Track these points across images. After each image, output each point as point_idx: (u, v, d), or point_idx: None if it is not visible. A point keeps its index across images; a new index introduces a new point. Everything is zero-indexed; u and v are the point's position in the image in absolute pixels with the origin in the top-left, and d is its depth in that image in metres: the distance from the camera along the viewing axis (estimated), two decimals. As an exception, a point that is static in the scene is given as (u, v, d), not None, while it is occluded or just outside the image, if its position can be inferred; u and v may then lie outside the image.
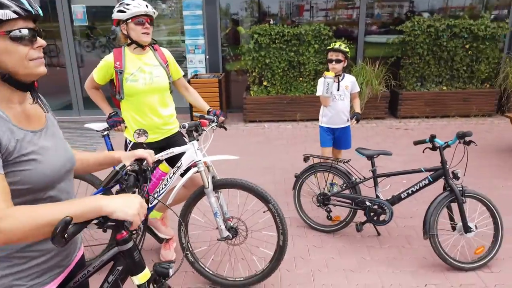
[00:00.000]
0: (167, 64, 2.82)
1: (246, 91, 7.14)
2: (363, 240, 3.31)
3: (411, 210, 3.76)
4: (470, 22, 6.41)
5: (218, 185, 2.62)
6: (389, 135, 6.06)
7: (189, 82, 6.66)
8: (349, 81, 3.73)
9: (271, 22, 7.38)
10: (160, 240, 3.07)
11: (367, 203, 3.12)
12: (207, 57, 7.34)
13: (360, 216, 3.25)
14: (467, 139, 2.80)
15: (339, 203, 3.30)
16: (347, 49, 3.62)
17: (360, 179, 3.26)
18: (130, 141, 2.84)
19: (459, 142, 2.84)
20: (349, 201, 3.25)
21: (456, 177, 2.83)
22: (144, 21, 2.58)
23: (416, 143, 3.13)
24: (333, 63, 3.58)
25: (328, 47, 3.64)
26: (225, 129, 2.95)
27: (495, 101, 6.76)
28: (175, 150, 2.68)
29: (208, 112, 2.92)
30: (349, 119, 3.77)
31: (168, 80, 2.81)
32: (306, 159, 3.37)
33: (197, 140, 2.66)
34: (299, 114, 6.82)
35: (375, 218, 3.12)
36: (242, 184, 2.59)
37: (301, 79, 6.80)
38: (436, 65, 6.67)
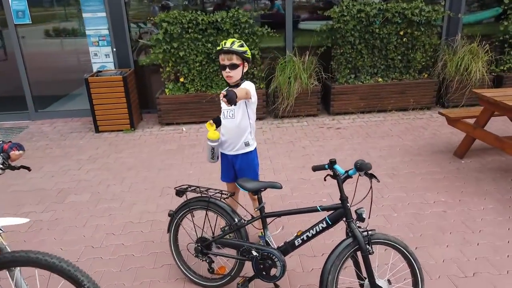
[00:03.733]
0: None
1: (162, 89, 6.20)
2: (256, 295, 2.56)
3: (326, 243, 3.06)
4: (403, 5, 5.77)
5: (2, 263, 1.75)
6: (318, 137, 5.36)
7: (86, 81, 5.63)
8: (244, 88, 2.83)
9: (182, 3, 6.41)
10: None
11: (254, 252, 2.36)
12: (114, 49, 6.30)
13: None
14: (369, 171, 2.08)
15: (221, 252, 2.51)
16: (245, 48, 2.62)
17: (245, 220, 2.48)
18: None
19: (359, 175, 2.12)
20: (234, 249, 2.47)
21: (360, 218, 2.11)
22: None
23: (315, 169, 2.39)
24: (227, 69, 2.59)
25: (218, 48, 2.67)
26: (28, 170, 2.01)
27: (433, 92, 6.22)
28: None
29: None
30: (248, 142, 2.82)
31: None
32: (178, 193, 2.55)
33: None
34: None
35: (264, 272, 2.36)
36: (39, 261, 1.72)
37: (222, 73, 5.94)
38: (370, 54, 6.02)
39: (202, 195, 2.52)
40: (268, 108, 6.25)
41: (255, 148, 2.90)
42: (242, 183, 2.39)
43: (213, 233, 2.56)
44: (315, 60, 6.08)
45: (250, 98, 2.64)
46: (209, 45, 5.76)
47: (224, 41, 2.63)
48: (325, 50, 6.15)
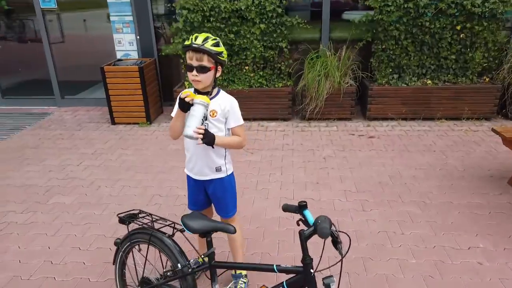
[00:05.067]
0: None
1: (182, 82, 5.80)
2: None
3: None
4: (463, -5, 4.80)
5: None
6: (345, 146, 4.64)
7: (102, 70, 5.36)
8: (220, 105, 2.14)
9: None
10: None
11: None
12: (138, 37, 5.99)
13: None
14: (337, 239, 1.46)
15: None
16: (221, 49, 2.05)
17: (192, 266, 1.94)
18: None
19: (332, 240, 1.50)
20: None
21: (327, 289, 1.51)
22: None
23: (285, 209, 1.80)
24: (194, 72, 2.02)
25: (186, 42, 2.07)
26: None
27: (495, 100, 5.19)
28: None
29: None
30: (221, 168, 2.26)
31: None
32: (122, 221, 2.07)
33: None
34: (242, 112, 5.43)
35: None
36: None
37: (246, 68, 5.40)
38: (417, 52, 5.12)
39: (145, 226, 2.03)
40: (295, 108, 5.61)
41: (232, 172, 2.35)
42: (186, 221, 1.85)
43: (162, 275, 2.06)
44: (352, 56, 5.32)
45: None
46: (232, 35, 5.22)
47: (196, 35, 2.06)
48: (364, 45, 5.35)
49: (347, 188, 3.69)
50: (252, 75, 5.42)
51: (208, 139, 2.01)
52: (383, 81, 5.29)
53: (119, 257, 2.21)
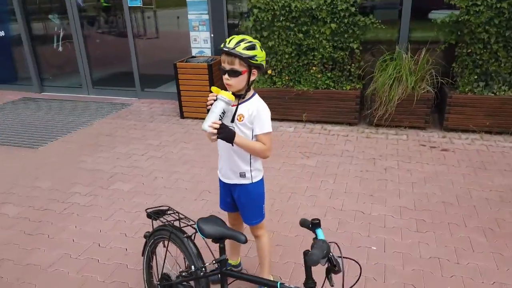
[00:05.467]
0: None
1: (249, 79, 5.82)
2: None
3: None
4: None
5: None
6: (412, 158, 4.27)
7: (175, 66, 5.61)
8: (248, 109, 2.07)
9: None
10: None
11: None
12: (212, 35, 6.15)
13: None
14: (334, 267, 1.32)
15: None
16: (255, 52, 1.96)
17: (206, 270, 1.91)
18: None
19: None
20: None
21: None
22: None
23: (302, 224, 1.69)
24: (226, 76, 1.99)
25: (221, 45, 2.03)
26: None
27: None
28: None
29: None
30: (245, 174, 2.19)
31: None
32: (149, 216, 2.13)
33: None
34: (305, 113, 5.30)
35: None
36: None
37: (314, 68, 5.24)
38: (510, 58, 4.51)
39: (167, 223, 2.06)
40: (363, 113, 5.31)
41: (261, 180, 2.27)
42: (201, 225, 1.84)
43: (182, 272, 2.08)
44: (432, 60, 4.86)
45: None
46: (301, 35, 5.10)
47: (230, 38, 2.03)
48: (446, 48, 4.86)
49: (403, 204, 3.38)
50: (319, 76, 5.24)
51: (226, 134, 1.94)
52: (466, 89, 4.75)
53: (146, 250, 2.28)
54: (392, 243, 2.90)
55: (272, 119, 2.13)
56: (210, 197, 3.62)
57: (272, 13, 5.11)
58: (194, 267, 1.91)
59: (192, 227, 1.99)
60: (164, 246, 2.17)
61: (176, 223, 2.07)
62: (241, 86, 2.04)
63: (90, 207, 3.57)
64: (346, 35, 4.97)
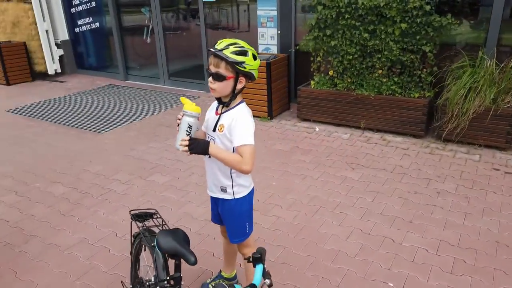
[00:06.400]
0: None
1: (309, 80, 5.55)
2: None
3: None
4: None
5: None
6: (476, 182, 3.64)
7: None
8: (229, 119, 1.92)
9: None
10: None
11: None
12: (279, 32, 5.98)
13: None
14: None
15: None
16: (244, 58, 1.83)
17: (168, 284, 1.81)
18: None
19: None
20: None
21: None
22: None
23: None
24: (210, 78, 1.87)
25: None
26: None
27: None
28: None
29: None
30: (226, 189, 2.03)
31: None
32: (132, 217, 2.11)
33: None
34: (364, 120, 4.87)
35: None
36: None
37: (380, 72, 4.78)
38: None
39: (141, 229, 2.00)
40: (431, 125, 4.70)
41: (245, 196, 2.08)
42: (160, 238, 1.74)
43: (145, 281, 2.00)
44: (522, 69, 4.10)
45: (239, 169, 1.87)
46: (367, 34, 4.68)
47: (221, 40, 1.89)
48: (541, 56, 4.04)
49: (445, 238, 2.89)
50: (385, 80, 4.77)
51: (198, 149, 1.83)
52: None
53: (134, 249, 2.27)
54: (415, 282, 2.49)
55: (328, 122, 1.93)
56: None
57: (337, 10, 4.76)
58: (154, 278, 1.83)
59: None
60: (143, 250, 2.14)
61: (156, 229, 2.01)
62: (225, 92, 1.90)
63: (124, 196, 3.71)
64: (418, 37, 4.42)
